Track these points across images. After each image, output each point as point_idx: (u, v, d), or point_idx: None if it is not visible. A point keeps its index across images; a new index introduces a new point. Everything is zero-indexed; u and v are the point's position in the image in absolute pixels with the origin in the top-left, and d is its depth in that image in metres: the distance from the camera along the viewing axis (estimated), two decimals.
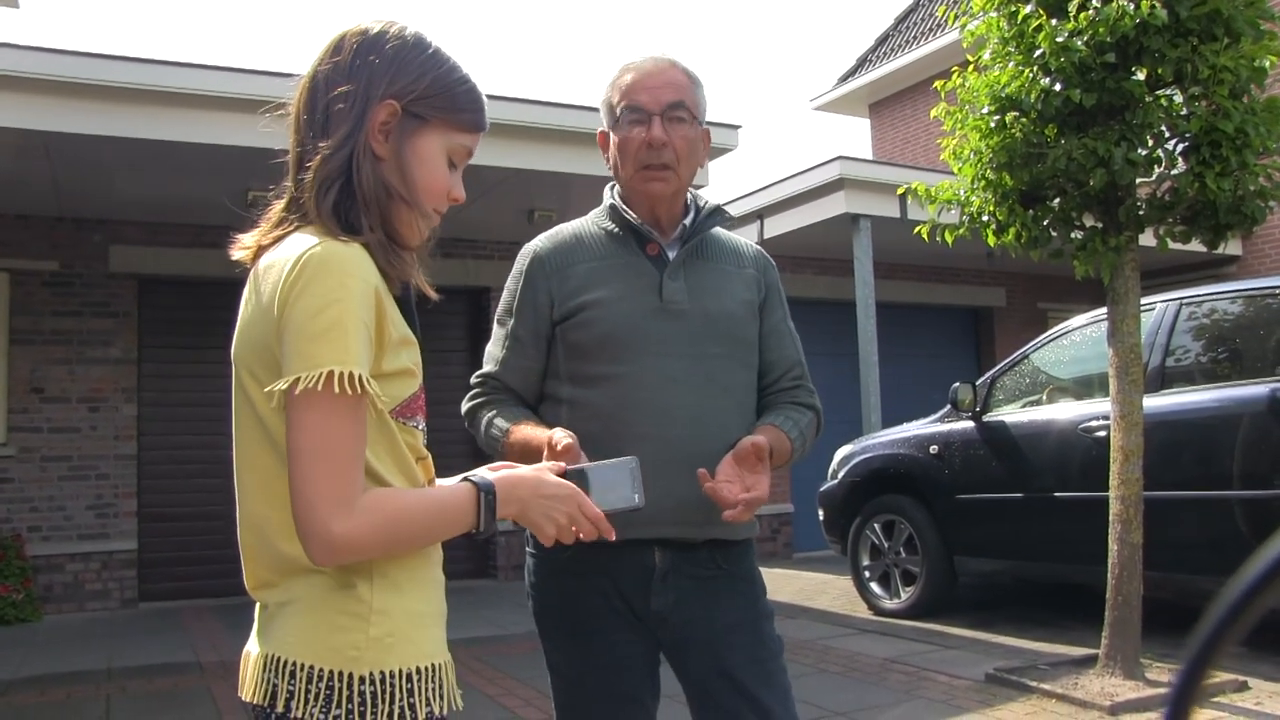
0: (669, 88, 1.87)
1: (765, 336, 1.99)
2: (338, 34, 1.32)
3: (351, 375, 1.13)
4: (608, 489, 1.36)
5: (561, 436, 1.63)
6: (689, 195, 2.00)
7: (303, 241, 1.20)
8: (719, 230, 2.02)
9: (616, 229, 1.94)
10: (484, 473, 1.30)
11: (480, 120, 1.37)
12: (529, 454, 1.78)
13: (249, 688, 1.22)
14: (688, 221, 1.95)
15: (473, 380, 2.00)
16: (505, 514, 1.28)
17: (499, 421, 1.89)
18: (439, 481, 1.55)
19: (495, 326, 2.00)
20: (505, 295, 1.98)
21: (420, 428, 1.32)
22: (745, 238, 2.16)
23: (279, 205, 1.30)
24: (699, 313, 1.88)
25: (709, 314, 1.89)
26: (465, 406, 1.99)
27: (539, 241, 1.97)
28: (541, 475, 1.33)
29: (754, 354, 1.97)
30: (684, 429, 1.81)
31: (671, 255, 1.92)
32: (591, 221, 1.99)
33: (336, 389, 1.12)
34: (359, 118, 1.26)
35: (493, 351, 1.98)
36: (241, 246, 1.30)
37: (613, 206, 1.94)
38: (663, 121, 1.86)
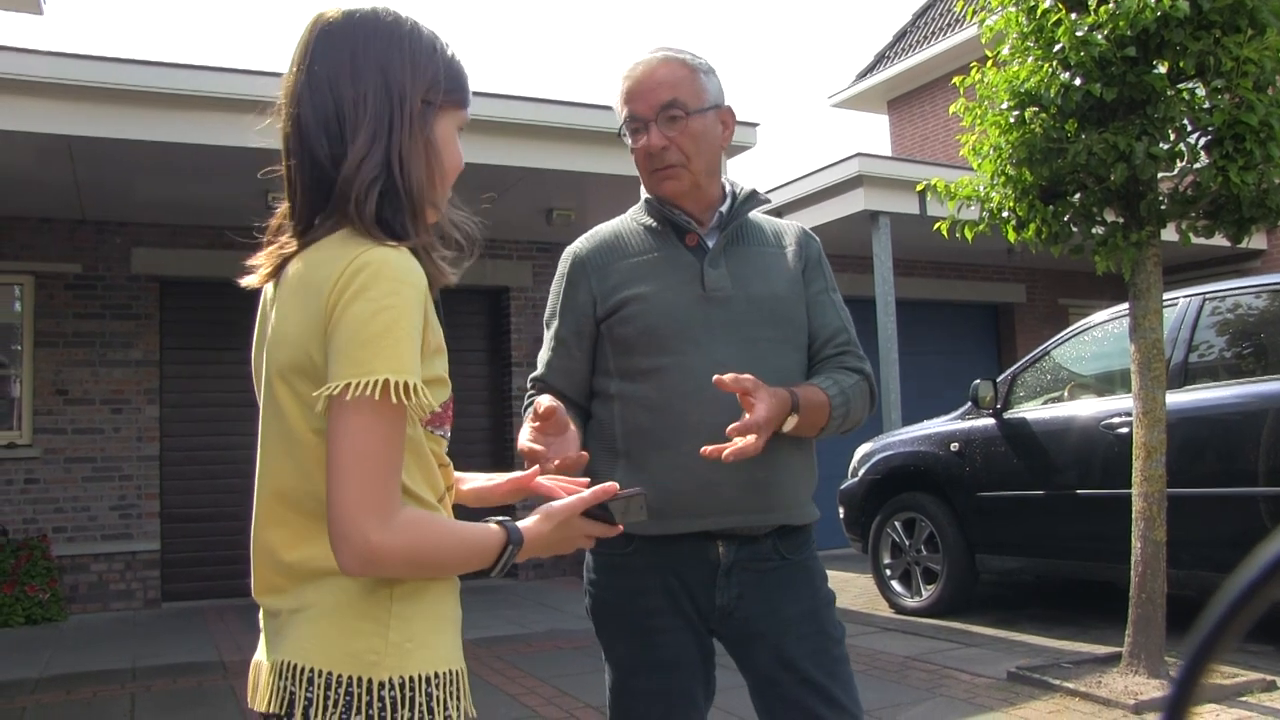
0: (661, 87, 1.85)
1: (808, 307, 1.95)
2: (319, 23, 1.25)
3: (406, 384, 1.11)
4: (625, 514, 1.38)
5: (546, 403, 1.64)
6: (725, 183, 1.98)
7: (351, 246, 1.17)
8: (758, 214, 2.01)
9: (655, 223, 1.94)
10: (519, 524, 1.27)
11: (469, 93, 1.35)
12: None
13: (263, 697, 1.20)
14: (724, 209, 1.95)
15: (527, 384, 2.03)
16: (522, 559, 1.28)
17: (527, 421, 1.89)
18: (466, 475, 1.54)
19: (544, 330, 2.02)
20: (550, 299, 2.00)
21: (445, 435, 1.30)
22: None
23: (286, 218, 1.26)
24: (744, 298, 1.87)
25: (754, 298, 1.88)
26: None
27: (579, 243, 1.99)
28: (563, 531, 1.32)
29: (804, 335, 1.94)
30: (737, 415, 1.76)
31: (711, 244, 1.91)
32: (630, 218, 1.99)
33: (394, 398, 1.10)
34: (390, 117, 1.23)
35: (541, 355, 1.99)
36: (265, 264, 1.26)
37: (649, 201, 1.95)
38: (658, 125, 1.85)
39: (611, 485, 1.35)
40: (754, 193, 1.98)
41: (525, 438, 1.65)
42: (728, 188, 1.98)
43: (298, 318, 1.18)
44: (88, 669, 5.53)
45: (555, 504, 1.33)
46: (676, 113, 1.85)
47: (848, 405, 1.88)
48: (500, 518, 1.26)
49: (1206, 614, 0.58)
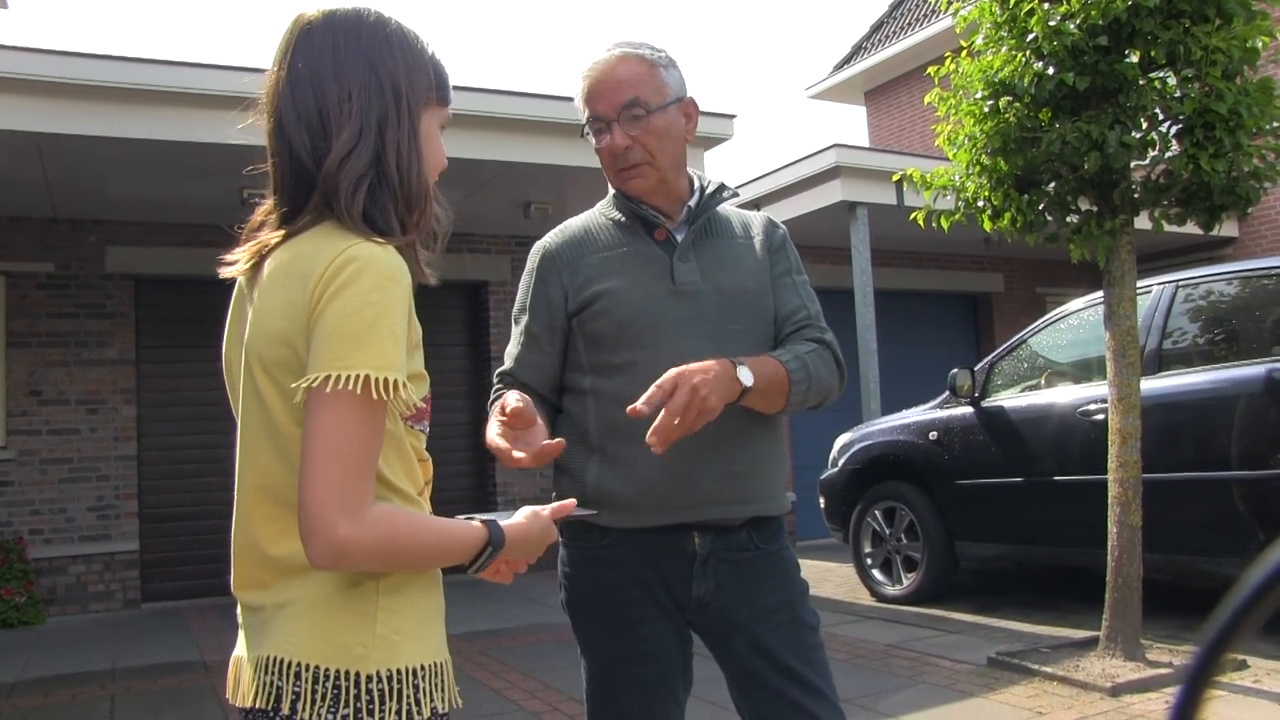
0: (621, 86, 1.84)
1: (771, 291, 1.95)
2: (301, 23, 1.26)
3: (387, 381, 1.11)
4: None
5: (513, 402, 1.63)
6: (692, 176, 1.98)
7: (337, 240, 1.17)
8: (726, 207, 2.01)
9: (623, 218, 1.94)
10: (504, 524, 1.28)
11: (450, 92, 1.36)
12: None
13: (248, 692, 1.20)
14: (692, 203, 1.94)
15: (494, 379, 2.01)
16: (506, 558, 1.30)
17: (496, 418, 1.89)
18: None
19: (512, 325, 2.01)
20: (519, 294, 1.99)
21: (424, 430, 1.31)
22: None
23: (269, 215, 1.27)
24: (713, 291, 1.87)
25: (724, 291, 1.88)
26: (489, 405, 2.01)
27: (549, 238, 1.98)
28: (545, 533, 1.34)
29: (773, 325, 1.94)
30: None
31: (680, 238, 1.91)
32: (599, 212, 1.99)
33: (375, 395, 1.10)
34: (383, 113, 1.23)
35: (509, 349, 1.99)
36: (244, 256, 1.26)
37: (617, 195, 1.95)
38: (621, 124, 1.85)
39: (570, 503, 1.42)
40: (722, 185, 1.98)
41: (493, 433, 1.65)
42: (696, 181, 1.98)
43: (281, 310, 1.17)
44: (67, 671, 5.49)
45: (540, 507, 1.36)
46: (638, 111, 1.84)
47: (807, 370, 1.84)
48: (486, 517, 1.27)
49: (1225, 602, 0.59)
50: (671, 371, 1.66)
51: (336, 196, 1.20)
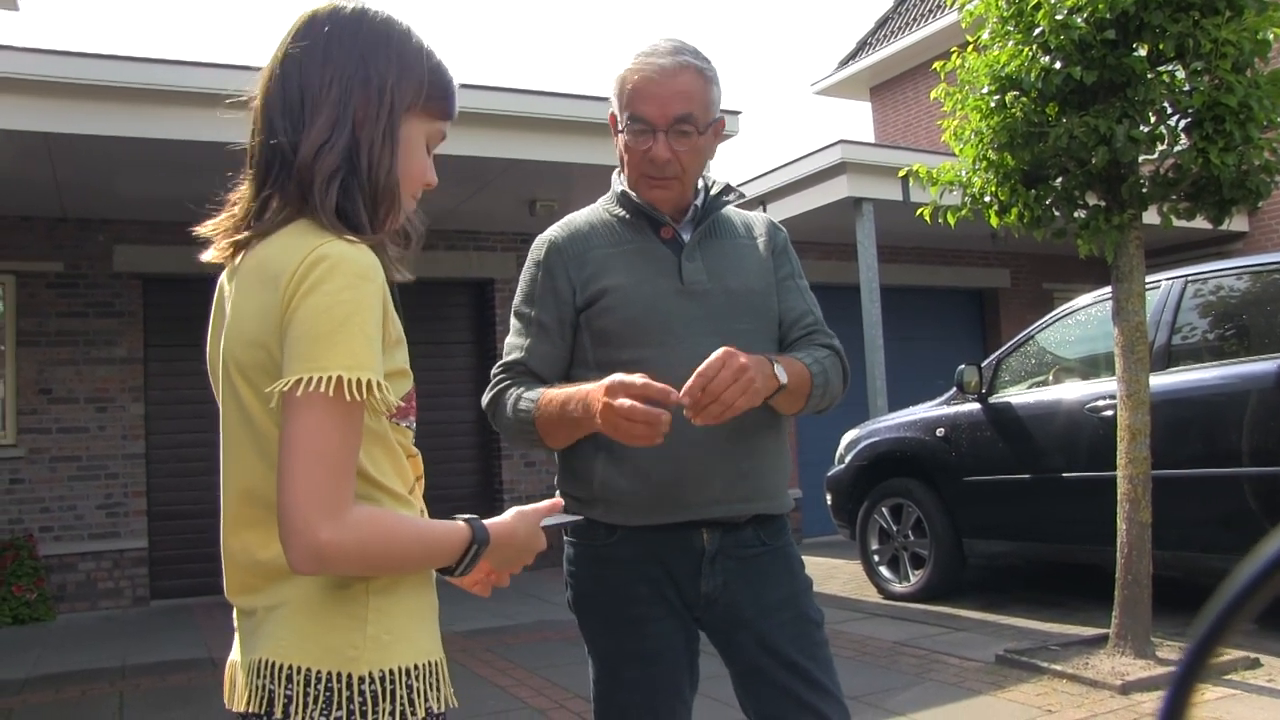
0: (678, 99, 1.80)
1: (776, 293, 1.95)
2: (305, 14, 1.26)
3: (359, 381, 1.09)
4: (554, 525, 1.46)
5: (640, 378, 1.61)
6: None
7: (308, 238, 1.16)
8: (730, 208, 2.01)
9: (628, 215, 1.92)
10: (488, 522, 1.26)
11: (454, 108, 1.34)
12: (566, 414, 1.76)
13: (241, 696, 1.19)
14: (699, 203, 1.93)
15: (494, 371, 1.96)
16: (494, 560, 1.28)
17: (527, 395, 1.84)
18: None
19: (513, 319, 1.97)
20: (523, 287, 1.95)
21: (411, 426, 1.30)
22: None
23: (244, 195, 1.26)
24: (720, 291, 1.87)
25: (731, 291, 1.87)
26: (487, 397, 1.95)
27: (554, 230, 1.96)
28: (531, 535, 1.32)
29: (778, 325, 1.95)
30: None
31: (685, 237, 1.90)
32: (603, 208, 1.97)
33: (348, 395, 1.09)
34: (362, 108, 1.22)
35: (515, 341, 1.94)
36: (217, 246, 1.26)
37: (624, 193, 1.92)
38: (668, 137, 1.81)
39: (559, 501, 1.41)
40: (727, 186, 1.98)
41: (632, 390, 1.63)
42: (700, 182, 1.97)
43: (254, 312, 1.17)
44: (76, 668, 5.51)
45: (526, 507, 1.35)
46: (688, 128, 1.81)
47: (826, 375, 1.87)
48: (468, 516, 1.26)
49: (1218, 596, 0.58)
50: (719, 351, 1.64)
51: (311, 190, 1.19)
